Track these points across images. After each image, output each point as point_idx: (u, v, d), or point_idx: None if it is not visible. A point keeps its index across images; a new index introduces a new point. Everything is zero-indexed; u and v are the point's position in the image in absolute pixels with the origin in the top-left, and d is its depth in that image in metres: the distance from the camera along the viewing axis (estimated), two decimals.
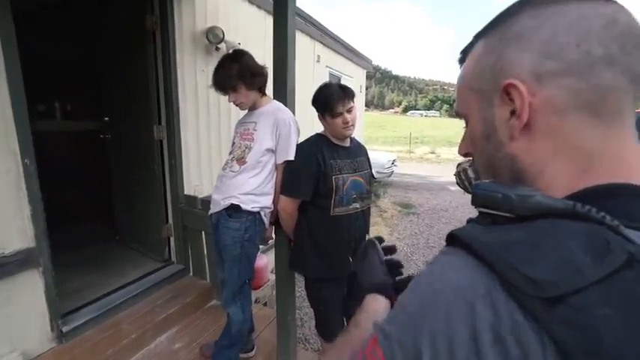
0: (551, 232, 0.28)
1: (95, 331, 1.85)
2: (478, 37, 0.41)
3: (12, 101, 1.51)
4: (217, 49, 2.78)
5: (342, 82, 6.19)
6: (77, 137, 3.52)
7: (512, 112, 0.35)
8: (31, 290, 1.63)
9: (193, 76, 2.60)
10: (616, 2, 0.33)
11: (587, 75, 0.32)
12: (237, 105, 1.60)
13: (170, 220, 2.53)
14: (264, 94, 1.66)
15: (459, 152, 0.47)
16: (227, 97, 1.61)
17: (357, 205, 1.60)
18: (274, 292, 2.90)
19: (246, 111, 1.73)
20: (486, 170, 0.42)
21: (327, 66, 5.53)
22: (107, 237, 2.93)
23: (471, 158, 0.46)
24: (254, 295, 2.66)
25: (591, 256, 0.25)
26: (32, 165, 1.59)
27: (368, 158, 1.76)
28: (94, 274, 2.34)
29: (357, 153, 1.67)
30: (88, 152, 3.49)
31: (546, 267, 0.25)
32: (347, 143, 1.63)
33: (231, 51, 2.72)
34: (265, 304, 2.71)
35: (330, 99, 1.50)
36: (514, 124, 0.36)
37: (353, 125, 1.55)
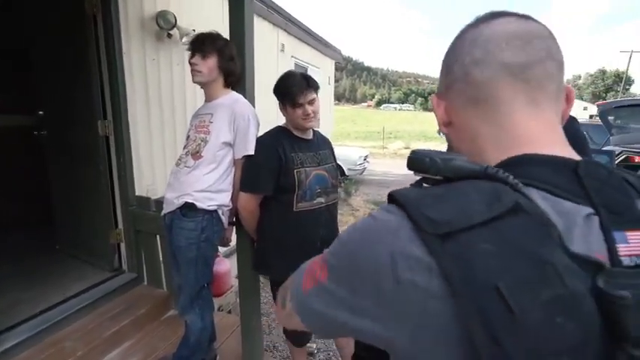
0: (461, 187, 0.35)
1: (33, 352, 1.76)
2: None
3: None
4: (169, 35, 2.72)
5: (309, 73, 6.24)
6: (4, 134, 3.29)
7: None
8: None
9: (142, 65, 2.54)
10: (487, 20, 0.44)
11: (464, 78, 0.44)
12: (193, 72, 1.56)
13: (120, 225, 2.45)
14: (227, 86, 1.65)
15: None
16: (190, 59, 1.57)
17: (322, 200, 1.64)
18: (239, 299, 2.89)
19: (203, 103, 1.72)
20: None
21: (292, 56, 5.55)
22: (46, 247, 2.78)
23: None
24: (217, 302, 2.64)
25: (485, 204, 0.32)
26: None
27: (332, 151, 1.81)
28: (30, 288, 2.21)
29: (320, 146, 1.72)
30: (19, 151, 3.28)
31: (445, 210, 0.32)
32: (309, 136, 1.67)
33: (184, 39, 2.72)
34: (230, 312, 2.70)
35: (291, 88, 1.53)
36: (439, 121, 0.50)
37: (315, 117, 1.59)
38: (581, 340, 0.26)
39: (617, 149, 4.32)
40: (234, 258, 2.77)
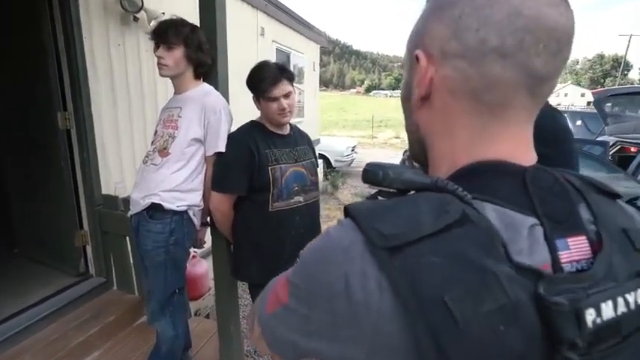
0: (411, 199, 0.36)
1: None
2: None
3: None
4: (136, 19, 2.65)
5: (292, 58, 6.19)
6: None
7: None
8: None
9: (106, 51, 2.46)
10: None
11: (478, 63, 0.37)
12: (159, 65, 1.52)
13: (85, 226, 2.40)
14: (197, 77, 1.61)
15: None
16: (155, 52, 1.52)
17: (300, 199, 1.63)
18: (215, 303, 2.88)
19: (172, 95, 1.68)
20: (408, 136, 0.50)
21: (273, 41, 5.47)
22: (2, 250, 2.70)
23: None
24: (194, 306, 2.63)
25: (433, 215, 0.33)
26: None
27: (312, 146, 1.80)
28: None
29: (298, 141, 1.70)
30: None
31: (394, 223, 0.33)
32: (285, 130, 1.66)
33: (152, 23, 2.65)
34: (207, 316, 2.69)
35: (265, 81, 1.51)
36: (415, 92, 0.43)
37: (290, 112, 1.57)
38: (523, 347, 0.28)
39: (612, 140, 4.42)
40: (211, 259, 2.76)
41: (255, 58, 4.78)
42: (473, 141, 0.40)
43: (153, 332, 1.95)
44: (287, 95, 1.54)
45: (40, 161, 2.40)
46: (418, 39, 0.42)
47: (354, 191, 7.43)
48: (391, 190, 0.39)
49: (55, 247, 2.49)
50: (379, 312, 0.31)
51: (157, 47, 1.52)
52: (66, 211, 2.36)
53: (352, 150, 8.98)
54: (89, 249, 2.43)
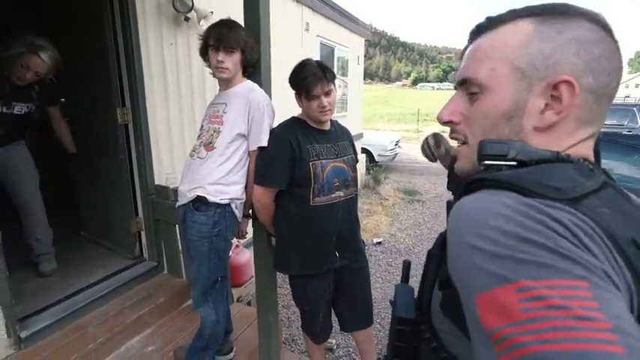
0: (550, 167, 0.41)
1: (58, 336, 1.92)
2: (519, 15, 0.47)
3: None
4: (187, 19, 2.76)
5: (337, 52, 6.15)
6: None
7: (546, 105, 0.45)
8: None
9: (160, 50, 2.60)
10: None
11: (601, 100, 0.45)
12: (219, 69, 1.56)
13: (140, 214, 2.57)
14: (244, 76, 1.66)
15: (442, 118, 0.54)
16: (212, 58, 1.57)
17: (341, 194, 1.64)
18: (255, 292, 2.98)
19: (217, 91, 1.74)
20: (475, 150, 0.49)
21: (318, 35, 5.47)
22: (71, 233, 2.97)
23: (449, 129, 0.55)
24: (237, 293, 2.74)
25: (584, 178, 0.39)
26: None
27: (352, 142, 1.79)
28: (55, 273, 2.40)
29: (339, 137, 1.70)
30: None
31: (561, 181, 0.38)
32: (326, 126, 1.66)
33: (202, 22, 2.75)
34: (249, 303, 2.79)
35: (306, 79, 1.52)
36: (550, 118, 0.45)
37: (331, 110, 1.57)
38: None
39: None
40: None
41: (300, 53, 4.83)
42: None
43: (198, 315, 2.07)
44: (328, 93, 1.55)
45: (101, 153, 2.61)
46: (549, 64, 0.44)
47: (396, 186, 7.29)
48: (511, 162, 0.42)
49: (114, 232, 2.70)
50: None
51: (215, 51, 1.55)
52: (124, 199, 2.55)
53: (396, 144, 8.79)
54: (143, 235, 2.61)
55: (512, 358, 0.28)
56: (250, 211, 1.77)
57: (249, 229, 1.92)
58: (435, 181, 7.84)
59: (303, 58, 1.64)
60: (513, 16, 0.47)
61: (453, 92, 0.55)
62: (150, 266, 2.54)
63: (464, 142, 0.53)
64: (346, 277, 1.78)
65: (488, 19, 0.50)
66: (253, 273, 2.94)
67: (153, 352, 2.01)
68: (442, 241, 0.47)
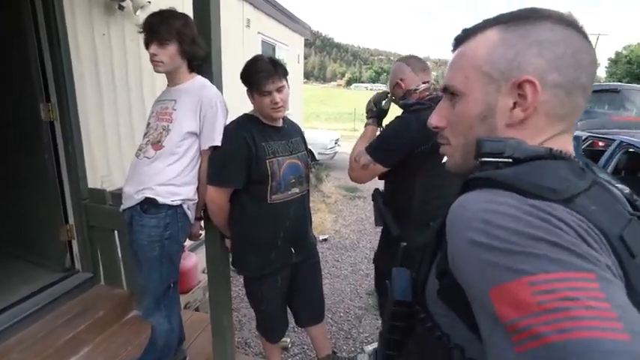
0: (546, 165, 0.44)
1: None
2: (489, 25, 0.52)
3: None
4: (121, 7, 2.56)
5: (277, 50, 6.11)
6: None
7: (514, 104, 0.49)
8: None
9: (91, 42, 2.37)
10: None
11: (572, 94, 0.48)
12: (154, 62, 1.48)
13: (71, 220, 2.32)
14: (192, 70, 1.58)
15: (431, 124, 0.59)
16: (148, 49, 1.47)
17: (297, 190, 1.65)
18: (207, 295, 2.86)
19: (161, 83, 1.64)
20: (464, 147, 0.54)
21: (259, 32, 5.39)
22: None
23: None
24: (184, 299, 2.61)
25: (576, 176, 0.43)
26: None
27: (303, 138, 1.81)
28: None
29: (291, 133, 1.71)
30: None
31: (555, 181, 0.41)
32: (279, 123, 1.66)
33: (138, 12, 2.56)
34: (197, 309, 2.67)
35: (258, 75, 1.50)
36: (518, 114, 0.49)
37: (283, 106, 1.57)
38: None
39: (584, 134, 4.62)
40: (200, 251, 2.74)
41: (240, 50, 4.72)
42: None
43: (144, 326, 1.94)
44: (280, 89, 1.54)
45: (22, 154, 2.31)
46: (512, 66, 0.49)
47: (337, 183, 7.46)
48: (507, 160, 0.45)
49: (38, 242, 2.41)
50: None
51: (148, 43, 1.46)
52: (50, 205, 2.28)
53: (335, 143, 8.99)
54: (75, 244, 2.36)
55: (530, 347, 0.30)
56: (202, 212, 1.71)
57: (202, 232, 1.85)
58: (375, 179, 8.17)
59: (254, 55, 1.62)
60: (484, 26, 0.52)
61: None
62: (84, 278, 2.31)
63: (448, 143, 0.58)
64: (301, 272, 1.80)
65: (464, 30, 0.55)
66: (200, 278, 2.84)
67: None
68: (437, 231, 0.50)
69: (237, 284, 2.96)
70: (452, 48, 0.57)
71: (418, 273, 0.57)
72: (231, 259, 1.74)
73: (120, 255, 2.26)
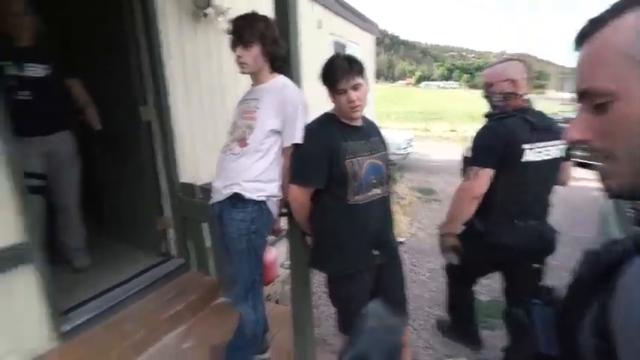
0: None
1: (97, 331, 1.93)
2: (620, 9, 0.43)
3: None
4: (205, 15, 2.73)
5: (348, 50, 6.10)
6: None
7: None
8: (24, 287, 1.67)
9: (180, 47, 2.57)
10: None
11: None
12: (239, 64, 1.56)
13: (166, 212, 2.55)
14: (274, 70, 1.63)
15: (572, 138, 0.48)
16: (236, 51, 1.56)
17: (379, 191, 1.60)
18: (285, 289, 2.93)
19: (243, 86, 1.71)
20: (633, 161, 0.44)
21: (330, 33, 5.43)
22: (94, 229, 2.92)
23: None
24: (264, 292, 2.69)
25: None
26: (15, 152, 1.60)
27: (382, 138, 1.74)
28: (89, 269, 2.42)
29: (370, 132, 1.66)
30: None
31: None
32: (358, 122, 1.61)
33: (219, 19, 2.72)
34: (277, 302, 2.75)
35: (333, 73, 1.48)
36: None
37: (361, 105, 1.52)
38: None
39: None
40: (279, 246, 2.81)
41: (314, 52, 4.78)
42: None
43: (230, 313, 2.04)
44: (356, 87, 1.49)
45: (124, 152, 2.60)
46: None
47: (411, 185, 7.22)
48: None
49: (140, 229, 2.69)
50: None
51: (235, 46, 1.55)
52: (149, 197, 2.53)
53: (408, 143, 8.72)
54: (170, 232, 2.59)
55: None
56: (285, 209, 1.73)
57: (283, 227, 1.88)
58: (450, 180, 7.72)
59: (330, 56, 1.61)
60: (615, 11, 0.44)
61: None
62: (178, 264, 2.52)
63: (606, 157, 0.47)
64: (385, 275, 1.73)
65: (591, 21, 0.46)
66: (279, 272, 2.92)
67: (188, 349, 2.00)
68: (602, 272, 0.42)
69: (315, 282, 2.97)
70: (575, 45, 0.48)
71: (566, 318, 0.48)
72: (310, 258, 1.73)
73: (208, 245, 2.42)
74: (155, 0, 2.31)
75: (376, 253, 1.62)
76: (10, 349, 1.62)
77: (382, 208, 1.64)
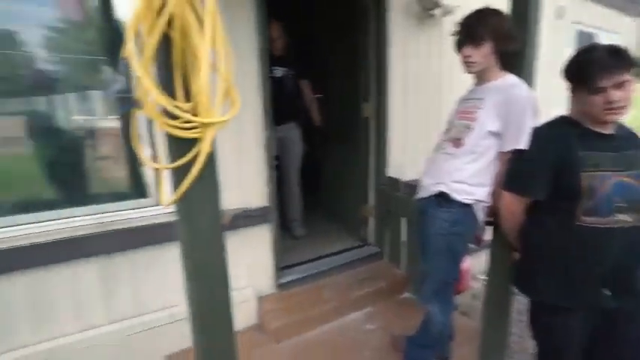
0: None
1: (303, 290, 2.35)
2: None
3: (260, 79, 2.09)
4: (431, 15, 2.77)
5: (599, 41, 4.93)
6: None
7: None
8: (262, 241, 2.25)
9: (403, 47, 2.71)
10: None
11: None
12: (466, 63, 1.50)
13: (370, 201, 2.81)
14: (503, 67, 1.53)
15: None
16: (461, 52, 1.52)
17: (627, 218, 1.26)
18: (475, 303, 2.75)
19: (459, 89, 1.66)
20: None
21: (573, 22, 4.52)
22: (312, 205, 3.49)
23: None
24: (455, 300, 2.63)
25: None
26: (271, 137, 2.16)
27: None
28: (304, 238, 2.95)
29: (626, 144, 1.31)
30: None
31: None
32: (609, 129, 1.30)
33: (445, 18, 2.70)
34: (464, 314, 2.61)
35: (588, 67, 1.23)
36: None
37: (623, 107, 1.22)
38: None
39: None
40: (476, 256, 2.64)
41: (548, 46, 4.11)
42: None
43: (414, 310, 2.09)
44: (620, 85, 1.20)
45: (344, 143, 3.01)
46: None
47: None
48: None
49: (346, 213, 3.08)
50: None
51: (460, 46, 1.50)
52: (359, 186, 2.86)
53: None
54: (371, 220, 2.85)
55: None
56: (492, 218, 1.62)
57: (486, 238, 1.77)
58: None
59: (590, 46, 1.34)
60: None
61: None
62: (374, 251, 2.76)
63: None
64: (619, 325, 1.37)
65: None
66: (470, 283, 2.75)
67: (371, 331, 2.17)
68: None
69: (517, 304, 2.66)
70: None
71: None
72: (515, 276, 1.56)
73: (403, 239, 2.53)
74: (389, 14, 2.54)
75: (607, 293, 1.32)
76: (248, 284, 2.21)
77: (627, 241, 1.29)
